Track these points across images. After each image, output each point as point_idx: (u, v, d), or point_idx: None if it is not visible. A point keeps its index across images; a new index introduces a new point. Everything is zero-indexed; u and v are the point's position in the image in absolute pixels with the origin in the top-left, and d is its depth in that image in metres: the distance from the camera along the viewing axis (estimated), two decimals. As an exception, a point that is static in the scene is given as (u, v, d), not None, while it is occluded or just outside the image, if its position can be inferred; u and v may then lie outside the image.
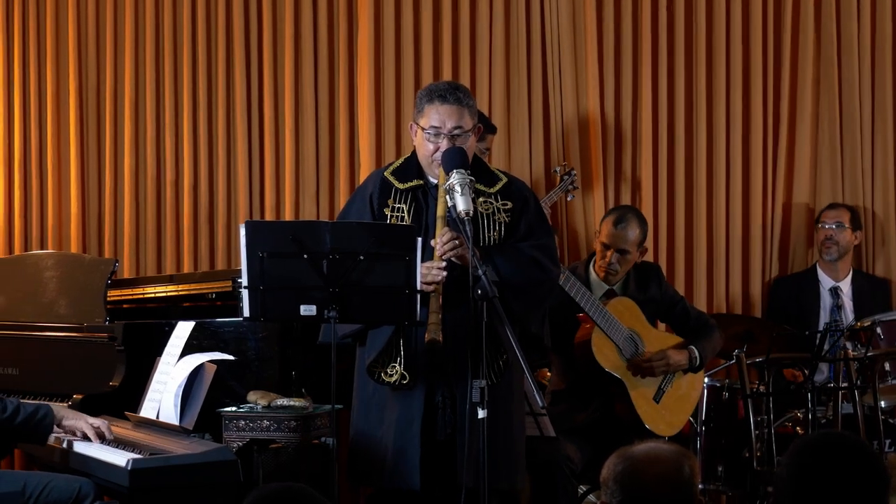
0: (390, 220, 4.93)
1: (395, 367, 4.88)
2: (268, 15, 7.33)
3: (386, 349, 4.88)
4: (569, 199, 7.08)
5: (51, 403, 5.12)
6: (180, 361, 5.19)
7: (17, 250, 7.45)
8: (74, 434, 5.02)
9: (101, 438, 4.98)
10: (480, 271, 4.47)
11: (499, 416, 4.76)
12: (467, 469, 4.66)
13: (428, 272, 4.67)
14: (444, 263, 4.70)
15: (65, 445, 5.04)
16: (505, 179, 5.07)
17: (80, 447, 4.98)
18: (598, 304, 5.91)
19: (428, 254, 4.73)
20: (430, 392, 4.89)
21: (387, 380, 4.89)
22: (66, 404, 5.69)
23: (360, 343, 5.01)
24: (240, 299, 4.89)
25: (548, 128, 7.25)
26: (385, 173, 5.05)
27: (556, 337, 5.88)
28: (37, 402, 5.10)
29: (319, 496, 2.91)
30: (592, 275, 6.15)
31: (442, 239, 4.71)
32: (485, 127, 5.90)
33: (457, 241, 4.70)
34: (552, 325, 5.26)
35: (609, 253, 6.08)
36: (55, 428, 4.99)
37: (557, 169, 7.05)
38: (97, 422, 5.04)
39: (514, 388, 5.00)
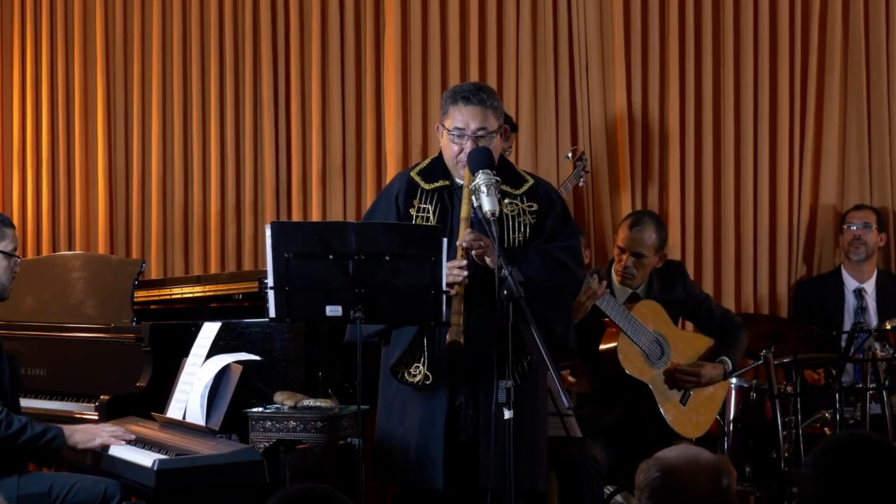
0: (416, 221, 4.92)
1: (418, 367, 4.88)
2: (295, 14, 7.35)
3: (410, 349, 4.88)
4: (581, 183, 7.00)
5: (62, 425, 5.07)
6: (207, 362, 5.21)
7: (45, 251, 7.49)
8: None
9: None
10: (506, 271, 4.46)
11: (522, 417, 4.74)
12: (491, 470, 4.66)
13: (449, 272, 4.64)
14: (465, 263, 4.68)
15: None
16: (531, 181, 5.05)
17: (105, 448, 5.01)
18: (623, 309, 5.88)
19: (452, 255, 4.71)
20: (453, 393, 4.89)
21: (410, 380, 4.89)
22: (92, 405, 5.72)
23: (385, 343, 5.01)
24: (266, 300, 4.90)
25: (575, 127, 7.22)
26: (411, 173, 5.05)
27: (582, 343, 5.87)
28: (47, 423, 5.03)
29: (343, 497, 2.91)
30: (615, 279, 6.13)
31: (467, 237, 4.69)
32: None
33: (482, 242, 4.69)
34: (578, 331, 5.24)
35: (625, 256, 6.06)
36: (71, 451, 5.01)
37: (569, 155, 6.97)
38: (110, 428, 5.05)
39: (538, 389, 4.99)
